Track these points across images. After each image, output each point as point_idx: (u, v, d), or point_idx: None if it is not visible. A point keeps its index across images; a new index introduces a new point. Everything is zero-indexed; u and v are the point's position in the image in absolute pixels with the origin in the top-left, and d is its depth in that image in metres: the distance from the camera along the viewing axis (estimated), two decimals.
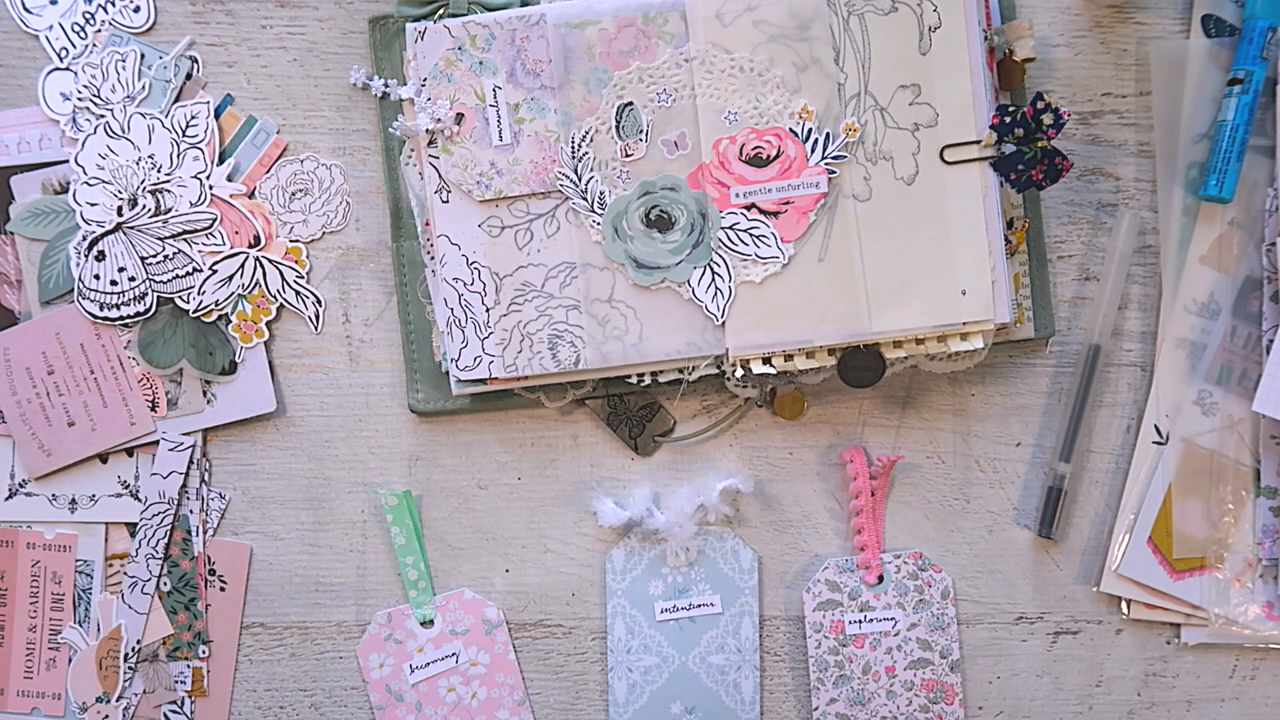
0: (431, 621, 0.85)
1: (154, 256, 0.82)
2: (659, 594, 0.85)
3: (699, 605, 0.85)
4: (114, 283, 0.82)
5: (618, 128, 0.79)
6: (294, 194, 0.83)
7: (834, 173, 0.78)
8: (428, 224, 0.81)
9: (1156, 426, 0.84)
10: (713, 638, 0.85)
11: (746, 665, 0.85)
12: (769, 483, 0.86)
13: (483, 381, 0.81)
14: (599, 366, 0.80)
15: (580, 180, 0.79)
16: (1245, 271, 0.83)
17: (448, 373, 0.82)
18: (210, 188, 0.82)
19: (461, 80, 0.79)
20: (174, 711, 0.85)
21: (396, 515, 0.84)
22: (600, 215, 0.79)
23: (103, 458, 0.84)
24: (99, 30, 0.82)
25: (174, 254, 0.82)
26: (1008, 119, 0.77)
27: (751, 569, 0.85)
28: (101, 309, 0.82)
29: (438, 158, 0.79)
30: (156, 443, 0.84)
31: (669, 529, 0.83)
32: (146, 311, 0.82)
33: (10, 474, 0.84)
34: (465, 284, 0.80)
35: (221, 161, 0.83)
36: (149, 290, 0.82)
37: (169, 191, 0.81)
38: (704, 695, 0.85)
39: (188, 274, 0.82)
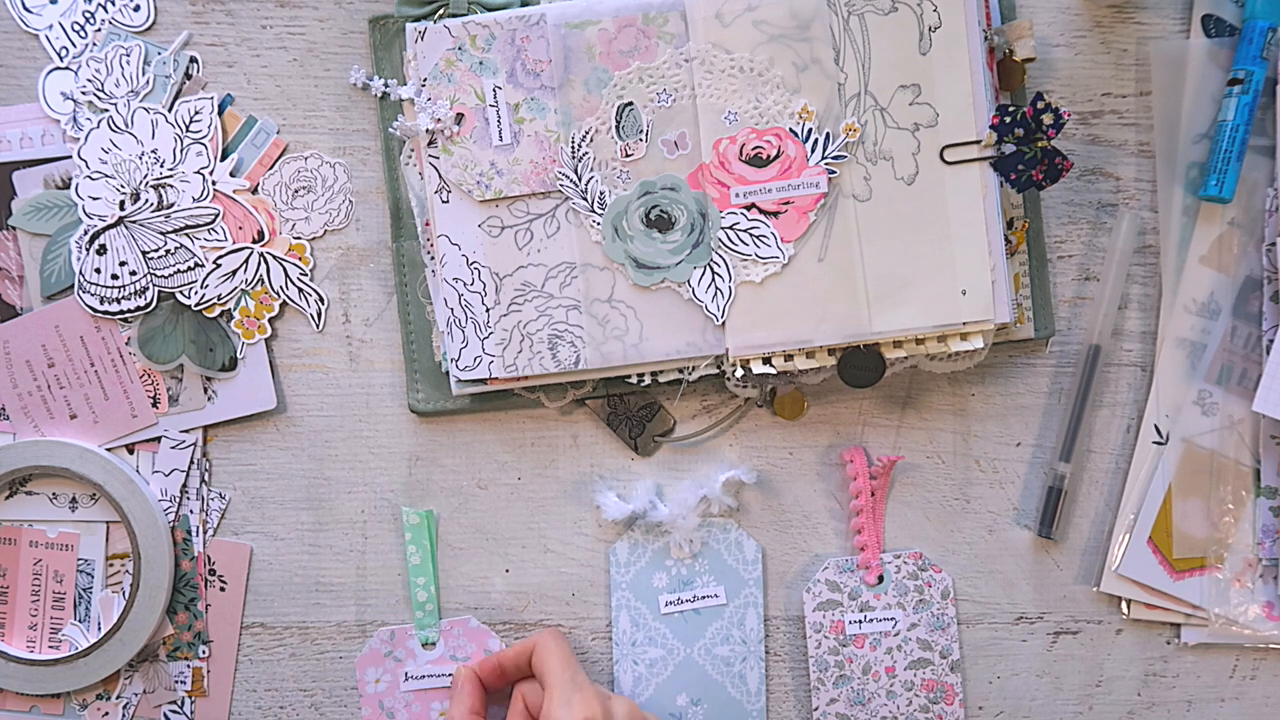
0: (434, 644, 0.85)
1: (155, 251, 0.82)
2: (663, 586, 0.85)
3: (704, 597, 0.85)
4: (115, 277, 0.82)
5: (618, 128, 0.79)
6: (297, 191, 0.83)
7: (834, 173, 0.78)
8: (428, 224, 0.81)
9: (1156, 426, 0.84)
10: (718, 629, 0.85)
11: (752, 656, 0.85)
12: (769, 483, 0.85)
13: (483, 381, 0.81)
14: (599, 366, 0.80)
15: (580, 180, 0.79)
16: (1245, 271, 0.83)
17: (448, 373, 0.82)
18: (213, 183, 0.82)
19: (461, 80, 0.79)
20: (174, 711, 0.85)
21: (415, 534, 0.84)
22: (600, 215, 0.79)
23: None
24: (99, 29, 0.82)
25: (176, 249, 0.82)
26: (1008, 119, 0.77)
27: (756, 560, 0.85)
28: (102, 303, 0.82)
29: (438, 158, 0.79)
30: (157, 440, 0.84)
31: (672, 521, 0.83)
32: (147, 306, 0.82)
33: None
34: (465, 284, 0.80)
35: (223, 159, 0.83)
36: (150, 285, 0.82)
37: (171, 186, 0.81)
38: (710, 686, 0.85)
39: (189, 269, 0.82)
